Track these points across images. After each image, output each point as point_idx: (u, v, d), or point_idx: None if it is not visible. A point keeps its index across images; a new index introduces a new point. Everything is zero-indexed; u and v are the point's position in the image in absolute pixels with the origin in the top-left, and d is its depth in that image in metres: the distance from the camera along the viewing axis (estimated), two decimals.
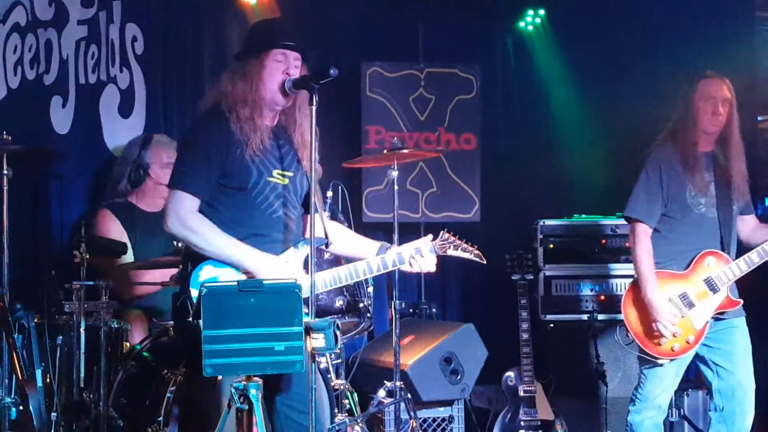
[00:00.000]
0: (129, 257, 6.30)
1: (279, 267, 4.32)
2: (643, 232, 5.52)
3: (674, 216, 5.54)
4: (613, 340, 7.13)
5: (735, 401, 5.51)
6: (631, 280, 5.71)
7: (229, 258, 4.30)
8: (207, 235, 4.31)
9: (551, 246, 7.48)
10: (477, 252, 4.73)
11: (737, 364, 5.52)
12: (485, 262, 4.76)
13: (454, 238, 4.68)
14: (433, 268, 4.64)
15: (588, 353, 7.12)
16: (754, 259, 5.47)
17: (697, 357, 5.61)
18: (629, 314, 5.56)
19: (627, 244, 5.67)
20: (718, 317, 5.51)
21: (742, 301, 5.52)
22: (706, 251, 5.49)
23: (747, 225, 5.70)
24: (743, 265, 5.45)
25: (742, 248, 5.64)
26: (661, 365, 5.52)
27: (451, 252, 4.68)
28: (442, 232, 4.70)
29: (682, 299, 5.45)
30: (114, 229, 6.43)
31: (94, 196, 6.89)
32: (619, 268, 7.25)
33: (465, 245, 4.71)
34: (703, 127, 5.52)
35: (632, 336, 5.57)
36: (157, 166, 6.55)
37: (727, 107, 5.51)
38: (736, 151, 5.55)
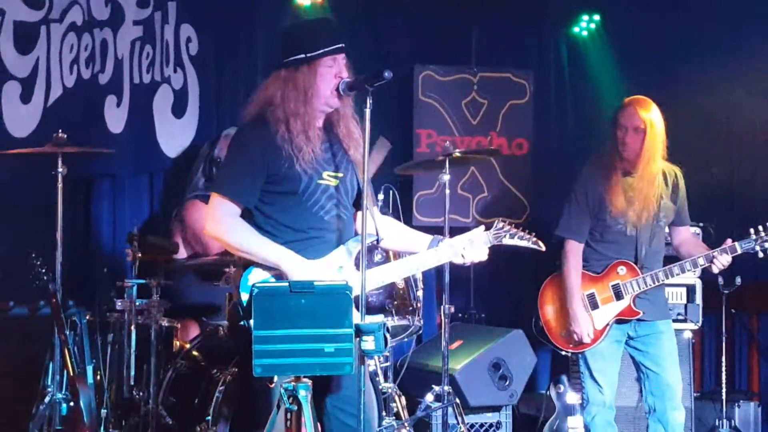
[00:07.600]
0: None
1: (314, 272, 4.21)
2: (571, 249, 5.77)
3: (597, 230, 5.78)
4: None
5: (665, 400, 5.71)
6: (550, 276, 5.95)
7: (265, 259, 4.22)
8: (242, 237, 4.24)
9: None
10: (534, 239, 4.67)
11: (665, 366, 5.73)
12: (544, 249, 4.72)
13: (509, 227, 4.62)
14: (484, 257, 4.55)
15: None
16: (661, 276, 5.66)
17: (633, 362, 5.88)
18: (546, 308, 5.91)
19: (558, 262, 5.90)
20: (641, 319, 5.70)
21: (642, 313, 5.68)
22: (620, 260, 5.72)
23: (679, 235, 5.93)
24: (649, 281, 5.66)
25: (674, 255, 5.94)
26: (565, 354, 5.91)
27: (507, 241, 4.61)
28: (496, 221, 4.64)
29: (588, 299, 5.72)
30: None
31: (155, 194, 6.96)
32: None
33: (521, 233, 4.65)
34: (619, 155, 5.71)
35: (542, 325, 5.90)
36: None
37: (640, 135, 5.63)
38: (648, 176, 5.67)
